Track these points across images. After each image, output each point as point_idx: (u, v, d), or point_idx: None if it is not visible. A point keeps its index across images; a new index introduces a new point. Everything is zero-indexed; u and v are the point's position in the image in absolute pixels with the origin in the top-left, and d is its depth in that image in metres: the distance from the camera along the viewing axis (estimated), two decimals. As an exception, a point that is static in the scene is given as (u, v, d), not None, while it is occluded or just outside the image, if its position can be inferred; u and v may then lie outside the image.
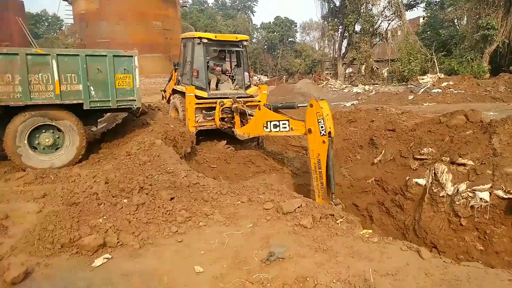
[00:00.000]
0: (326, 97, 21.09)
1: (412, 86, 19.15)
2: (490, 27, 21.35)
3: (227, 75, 9.33)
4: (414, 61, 24.92)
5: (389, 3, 28.15)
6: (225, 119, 8.22)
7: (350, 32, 30.66)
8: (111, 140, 7.64)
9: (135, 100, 6.88)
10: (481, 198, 4.86)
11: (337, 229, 3.60)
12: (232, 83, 9.24)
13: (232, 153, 8.17)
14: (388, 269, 2.81)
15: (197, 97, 8.24)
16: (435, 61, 23.88)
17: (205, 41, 8.31)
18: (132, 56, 6.71)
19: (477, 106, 10.87)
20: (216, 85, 8.91)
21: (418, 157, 6.17)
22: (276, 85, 28.83)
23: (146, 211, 3.83)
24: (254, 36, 57.54)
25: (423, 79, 19.69)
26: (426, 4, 31.70)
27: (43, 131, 6.42)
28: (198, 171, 6.09)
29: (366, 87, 24.06)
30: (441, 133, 6.23)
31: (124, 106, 6.95)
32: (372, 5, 29.19)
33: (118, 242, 3.38)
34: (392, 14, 28.75)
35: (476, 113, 6.13)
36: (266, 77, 42.35)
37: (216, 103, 8.21)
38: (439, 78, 19.35)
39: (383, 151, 6.87)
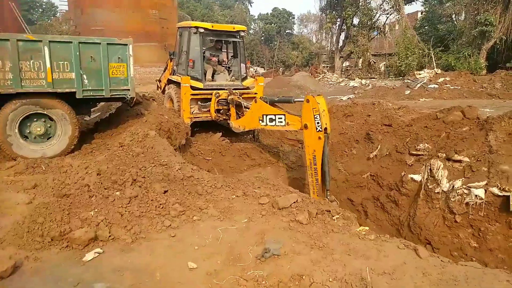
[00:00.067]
0: (323, 90, 21.05)
1: (409, 81, 19.11)
2: (488, 23, 21.33)
3: (223, 66, 9.20)
4: (411, 56, 24.88)
5: (387, -4, 28.03)
6: (221, 111, 8.12)
7: (348, 25, 30.51)
8: (104, 130, 7.52)
9: (129, 89, 6.75)
10: (476, 195, 4.87)
11: (333, 226, 3.56)
12: (228, 74, 9.12)
13: (227, 146, 8.10)
14: (385, 267, 2.78)
15: (193, 88, 8.13)
16: (432, 56, 23.87)
17: (202, 30, 8.17)
18: (126, 45, 6.56)
19: (473, 103, 10.89)
20: (212, 76, 8.79)
21: (414, 152, 6.16)
22: (272, 77, 28.64)
23: (138, 204, 3.76)
24: (251, 27, 56.98)
25: (420, 74, 19.67)
26: (424, -2, 31.63)
27: (35, 120, 6.28)
28: (193, 163, 6.01)
29: (363, 81, 24.01)
30: (437, 129, 6.22)
31: (118, 96, 6.82)
32: (370, -2, 29.05)
33: (109, 236, 3.32)
34: (390, 8, 28.65)
35: (473, 109, 6.11)
36: (263, 69, 42.09)
37: (211, 94, 8.10)
38: (436, 73, 19.34)
39: (379, 146, 6.85)
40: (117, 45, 6.52)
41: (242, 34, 8.79)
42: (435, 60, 23.61)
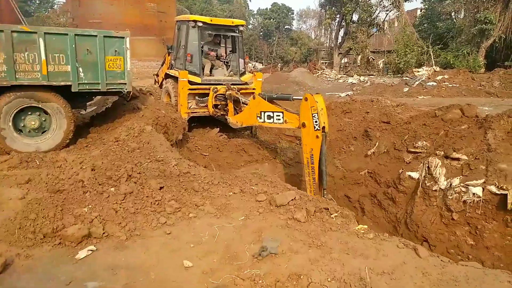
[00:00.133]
0: (321, 86, 20.98)
1: (407, 78, 19.07)
2: (487, 21, 21.28)
3: (221, 61, 9.11)
4: (410, 53, 24.80)
5: (387, -7, 27.88)
6: (219, 106, 8.04)
7: (347, 21, 30.37)
8: (100, 125, 7.44)
9: (125, 83, 6.67)
10: (473, 193, 4.86)
11: (331, 224, 3.51)
12: (227, 69, 9.04)
13: (224, 141, 8.05)
14: (384, 267, 2.74)
15: (190, 83, 8.04)
16: (431, 54, 23.81)
17: (200, 24, 8.07)
18: (123, 38, 6.47)
19: (471, 101, 10.85)
20: (210, 71, 8.70)
21: (412, 150, 6.14)
22: (270, 73, 28.49)
23: (134, 201, 3.70)
24: (250, 22, 56.67)
25: (418, 71, 19.64)
26: (424, -5, 31.51)
27: (29, 113, 6.20)
28: (190, 158, 5.95)
29: (361, 78, 23.91)
30: (436, 126, 6.19)
31: (114, 90, 6.74)
32: (370, -6, 28.90)
33: (103, 233, 3.25)
34: (390, 4, 28.49)
35: (471, 107, 6.09)
36: (261, 64, 41.93)
37: (209, 89, 8.02)
38: (435, 71, 19.31)
39: (377, 143, 6.81)
40: (114, 38, 6.43)
41: (241, 28, 8.70)
42: (433, 58, 23.57)
